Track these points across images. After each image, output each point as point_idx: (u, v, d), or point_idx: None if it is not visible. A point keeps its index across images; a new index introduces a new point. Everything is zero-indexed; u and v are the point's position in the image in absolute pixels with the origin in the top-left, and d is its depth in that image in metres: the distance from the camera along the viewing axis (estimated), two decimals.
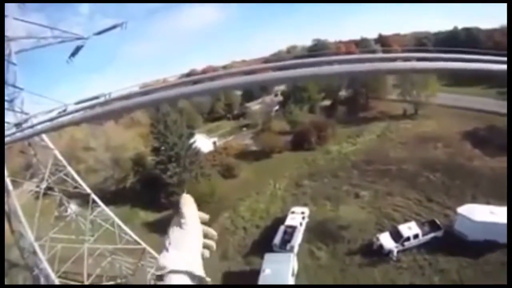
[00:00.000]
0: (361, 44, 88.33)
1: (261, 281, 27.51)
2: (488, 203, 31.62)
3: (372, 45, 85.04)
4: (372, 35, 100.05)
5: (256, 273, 28.68)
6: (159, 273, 1.62)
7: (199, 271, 1.71)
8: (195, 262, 1.74)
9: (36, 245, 24.69)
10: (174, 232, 1.81)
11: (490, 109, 52.02)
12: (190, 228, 1.82)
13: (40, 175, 26.94)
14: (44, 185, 26.01)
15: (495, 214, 29.08)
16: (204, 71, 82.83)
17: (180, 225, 1.82)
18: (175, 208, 1.93)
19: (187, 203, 1.92)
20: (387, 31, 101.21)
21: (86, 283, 26.25)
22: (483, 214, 29.39)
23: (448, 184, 38.19)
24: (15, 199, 24.14)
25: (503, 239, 27.71)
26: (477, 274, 26.96)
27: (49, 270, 24.72)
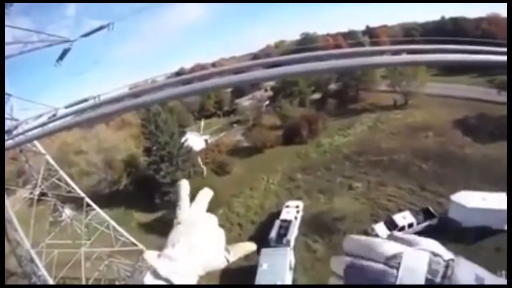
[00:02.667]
0: (349, 37, 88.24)
1: (258, 276, 27.61)
2: (480, 189, 31.87)
3: (360, 37, 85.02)
4: (359, 27, 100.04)
5: (254, 268, 28.74)
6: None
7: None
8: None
9: (32, 252, 24.60)
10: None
11: (479, 97, 52.39)
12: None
13: (33, 181, 26.82)
14: (37, 191, 25.89)
15: (488, 200, 29.40)
16: (193, 70, 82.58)
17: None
18: (173, 212, 1.79)
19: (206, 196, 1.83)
20: (374, 23, 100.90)
21: None
22: (476, 201, 29.69)
23: (440, 172, 38.45)
24: (9, 207, 23.98)
25: (496, 224, 28.21)
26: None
27: (47, 277, 24.64)
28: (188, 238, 1.58)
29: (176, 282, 1.44)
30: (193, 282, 1.56)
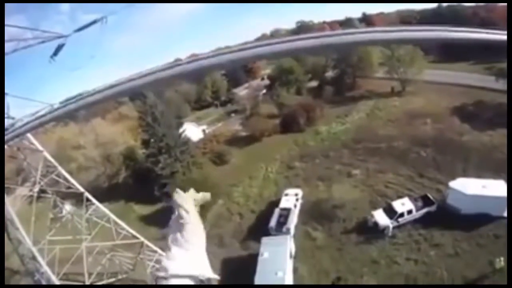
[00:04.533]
0: (346, 24, 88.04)
1: (259, 265, 27.65)
2: (479, 176, 31.91)
3: (357, 24, 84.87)
4: (356, 15, 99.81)
5: (254, 257, 28.85)
6: (162, 275, 1.59)
7: (205, 271, 1.67)
8: (200, 262, 1.71)
9: (34, 250, 24.57)
10: (176, 231, 1.75)
11: (477, 84, 52.44)
12: (192, 226, 1.78)
13: (32, 179, 26.66)
14: (36, 188, 25.75)
15: (487, 187, 29.44)
16: None
17: (181, 224, 1.77)
18: (170, 203, 1.90)
19: (182, 200, 1.87)
20: (371, 10, 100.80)
21: (88, 282, 26.23)
22: (475, 188, 29.69)
23: (439, 159, 38.54)
24: (9, 206, 23.93)
25: (495, 211, 28.39)
26: (472, 247, 27.39)
27: (50, 273, 24.66)
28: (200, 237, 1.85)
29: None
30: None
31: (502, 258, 24.63)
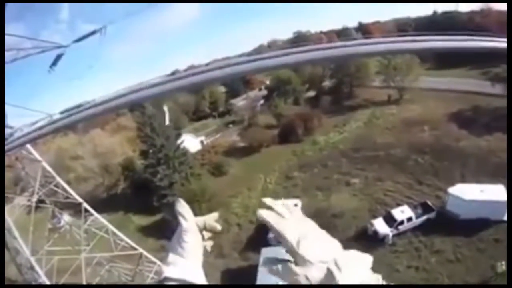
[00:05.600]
0: (342, 34, 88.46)
1: (260, 276, 27.54)
2: (477, 181, 31.97)
3: (353, 34, 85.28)
4: (352, 24, 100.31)
5: (254, 268, 28.71)
6: (156, 278, 1.64)
7: (199, 279, 1.72)
8: (195, 271, 1.76)
9: (32, 260, 24.46)
10: (175, 240, 1.82)
11: (474, 90, 52.55)
12: (189, 234, 1.82)
13: (30, 189, 26.57)
14: (35, 198, 25.67)
15: (485, 192, 29.51)
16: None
17: (180, 231, 1.82)
18: (171, 214, 1.96)
19: (183, 208, 1.91)
20: (367, 19, 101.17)
21: None
22: (474, 193, 29.76)
23: (437, 166, 38.54)
24: (7, 215, 23.86)
25: (494, 216, 28.45)
26: (472, 252, 27.38)
27: (48, 284, 24.55)
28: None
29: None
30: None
31: (504, 262, 24.58)
